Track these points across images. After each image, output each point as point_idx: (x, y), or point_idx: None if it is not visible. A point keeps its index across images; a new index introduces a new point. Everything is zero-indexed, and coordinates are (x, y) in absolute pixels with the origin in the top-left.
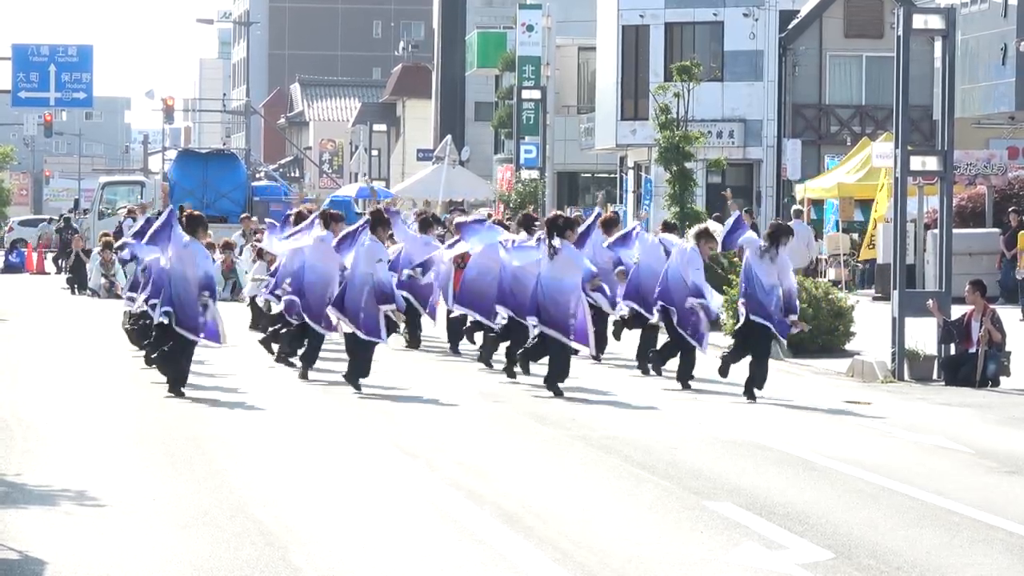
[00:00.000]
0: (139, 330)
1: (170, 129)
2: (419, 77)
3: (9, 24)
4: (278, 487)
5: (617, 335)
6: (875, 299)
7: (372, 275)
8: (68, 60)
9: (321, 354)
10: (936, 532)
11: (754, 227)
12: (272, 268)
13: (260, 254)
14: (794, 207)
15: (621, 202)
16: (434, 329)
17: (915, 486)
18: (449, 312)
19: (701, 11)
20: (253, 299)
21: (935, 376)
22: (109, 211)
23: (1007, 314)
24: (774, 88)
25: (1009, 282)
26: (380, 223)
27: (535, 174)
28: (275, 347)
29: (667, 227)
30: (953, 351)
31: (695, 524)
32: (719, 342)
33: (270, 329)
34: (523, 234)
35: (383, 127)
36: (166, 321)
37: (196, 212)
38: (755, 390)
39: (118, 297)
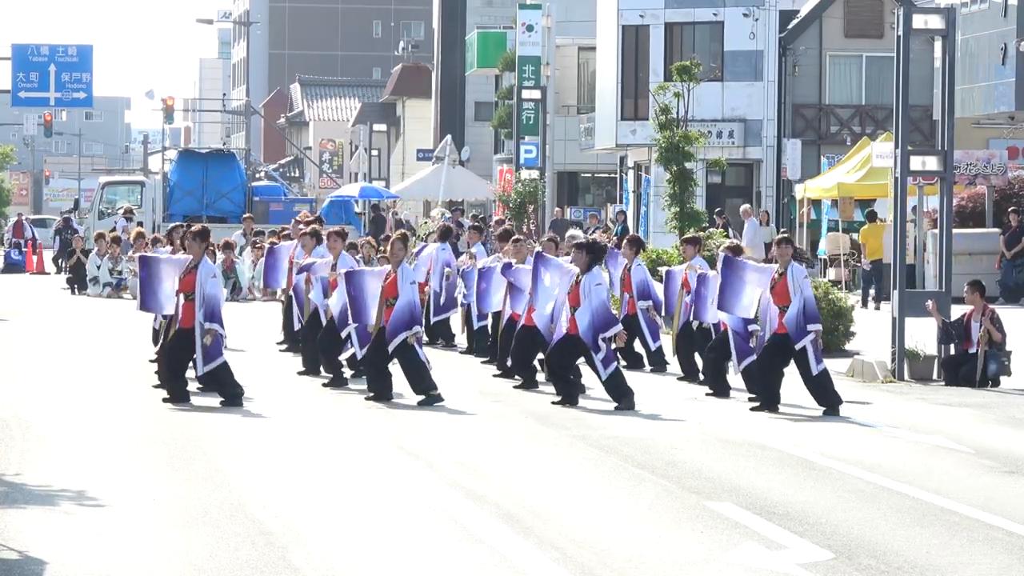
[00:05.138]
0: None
1: (170, 129)
2: (419, 77)
3: (9, 24)
4: (278, 487)
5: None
6: (874, 299)
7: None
8: (68, 60)
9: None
10: (936, 532)
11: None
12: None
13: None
14: (743, 206)
15: (621, 202)
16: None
17: (915, 486)
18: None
19: (701, 11)
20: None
21: (935, 376)
22: (109, 211)
23: (1007, 314)
24: (774, 88)
25: (1009, 282)
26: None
27: (535, 174)
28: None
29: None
30: (953, 351)
31: (695, 524)
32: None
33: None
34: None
35: (383, 127)
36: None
37: (199, 228)
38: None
39: (120, 297)
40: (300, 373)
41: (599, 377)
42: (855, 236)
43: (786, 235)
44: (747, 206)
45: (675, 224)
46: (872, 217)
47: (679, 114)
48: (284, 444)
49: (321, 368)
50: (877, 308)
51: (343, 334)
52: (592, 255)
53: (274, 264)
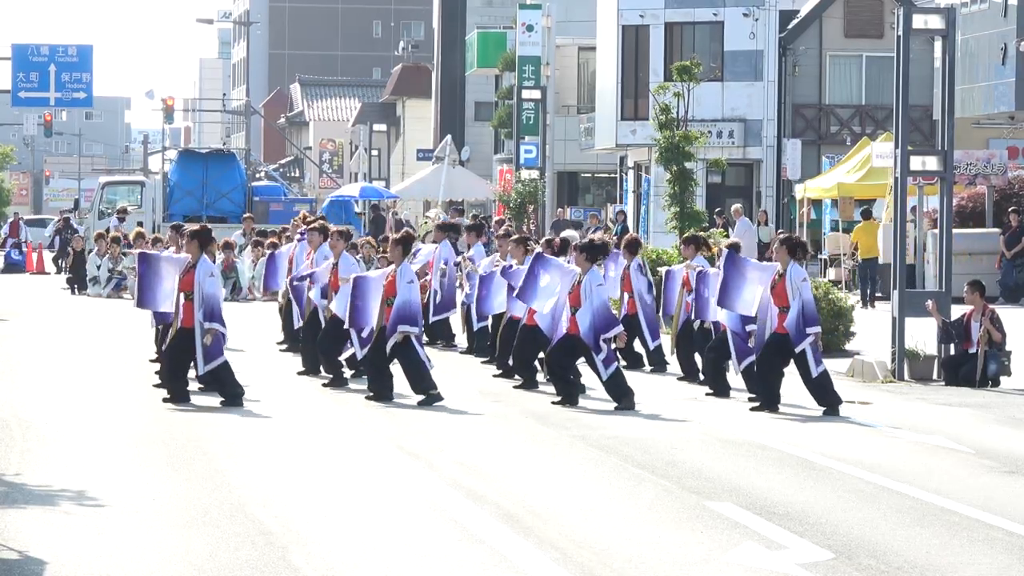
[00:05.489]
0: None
1: (170, 129)
2: (419, 77)
3: (9, 24)
4: (278, 487)
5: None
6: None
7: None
8: (68, 60)
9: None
10: (936, 532)
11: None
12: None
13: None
14: (734, 206)
15: (621, 202)
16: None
17: (915, 486)
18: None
19: (701, 11)
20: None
21: (935, 376)
22: (109, 211)
23: (1007, 314)
24: (774, 88)
25: (1009, 282)
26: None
27: (535, 174)
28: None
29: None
30: (953, 351)
31: (695, 524)
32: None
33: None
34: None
35: (383, 127)
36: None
37: (198, 227)
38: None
39: (120, 297)
40: (300, 373)
41: (600, 377)
42: None
43: (786, 235)
44: (738, 205)
45: (675, 224)
46: (867, 215)
47: (679, 114)
48: (284, 444)
49: (321, 368)
50: (873, 306)
51: (364, 334)
52: (590, 253)
53: (274, 270)
